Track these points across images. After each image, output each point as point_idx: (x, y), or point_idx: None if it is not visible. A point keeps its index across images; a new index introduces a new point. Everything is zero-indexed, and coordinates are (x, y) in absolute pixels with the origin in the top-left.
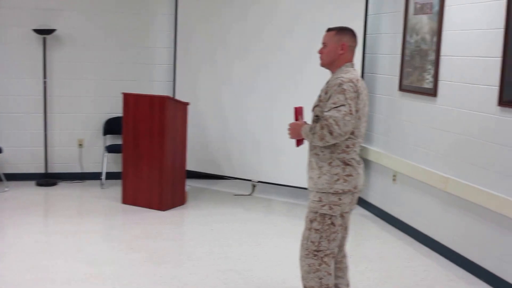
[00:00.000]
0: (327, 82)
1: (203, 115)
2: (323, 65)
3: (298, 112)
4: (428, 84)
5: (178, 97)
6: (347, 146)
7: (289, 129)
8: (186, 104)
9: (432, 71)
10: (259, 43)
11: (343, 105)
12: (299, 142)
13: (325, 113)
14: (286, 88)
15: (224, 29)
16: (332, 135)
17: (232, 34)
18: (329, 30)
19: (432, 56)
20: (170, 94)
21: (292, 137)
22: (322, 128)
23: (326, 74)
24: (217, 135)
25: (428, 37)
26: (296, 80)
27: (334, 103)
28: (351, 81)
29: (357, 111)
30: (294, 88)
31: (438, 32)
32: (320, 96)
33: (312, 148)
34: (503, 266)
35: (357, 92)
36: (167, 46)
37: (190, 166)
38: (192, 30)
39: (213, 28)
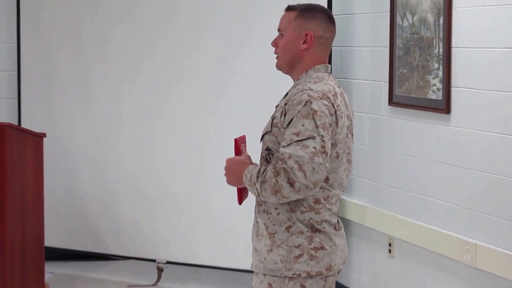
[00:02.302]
0: (286, 96)
1: (70, 154)
2: (280, 67)
3: (240, 142)
4: (435, 93)
5: (27, 124)
6: (317, 201)
7: (226, 169)
8: (41, 136)
9: (440, 73)
10: (161, 37)
11: (311, 137)
12: (241, 194)
13: (283, 150)
14: (207, 107)
15: (101, 13)
16: (293, 187)
17: (115, 21)
18: (288, 9)
19: (439, 48)
20: (13, 121)
21: (230, 183)
22: (277, 174)
23: (282, 79)
24: (95, 187)
25: (431, 17)
26: (225, 93)
27: (296, 134)
28: (324, 95)
29: (334, 145)
30: (223, 108)
31: (447, 10)
32: (274, 117)
33: (260, 202)
34: None
35: (334, 114)
36: (6, 41)
37: (52, 240)
38: (47, 14)
39: (82, 10)
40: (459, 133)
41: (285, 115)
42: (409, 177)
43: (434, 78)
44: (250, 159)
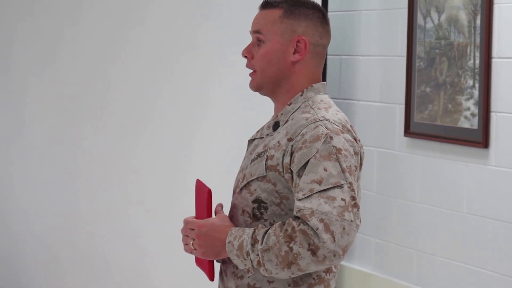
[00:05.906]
0: (274, 127)
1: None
2: (258, 86)
3: (206, 196)
4: (468, 121)
5: None
6: (328, 270)
7: (198, 238)
8: None
9: (476, 92)
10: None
11: (338, 185)
12: (207, 267)
13: (300, 204)
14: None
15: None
16: (316, 256)
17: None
18: (267, 5)
19: (474, 59)
20: None
21: (204, 256)
22: (290, 239)
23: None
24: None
25: (464, 16)
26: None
27: (318, 182)
28: (344, 128)
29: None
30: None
31: (486, 6)
32: (267, 156)
33: (241, 274)
34: None
35: (359, 154)
36: None
37: None
38: None
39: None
40: (501, 175)
41: (290, 154)
42: (431, 235)
43: (467, 99)
44: (230, 221)
